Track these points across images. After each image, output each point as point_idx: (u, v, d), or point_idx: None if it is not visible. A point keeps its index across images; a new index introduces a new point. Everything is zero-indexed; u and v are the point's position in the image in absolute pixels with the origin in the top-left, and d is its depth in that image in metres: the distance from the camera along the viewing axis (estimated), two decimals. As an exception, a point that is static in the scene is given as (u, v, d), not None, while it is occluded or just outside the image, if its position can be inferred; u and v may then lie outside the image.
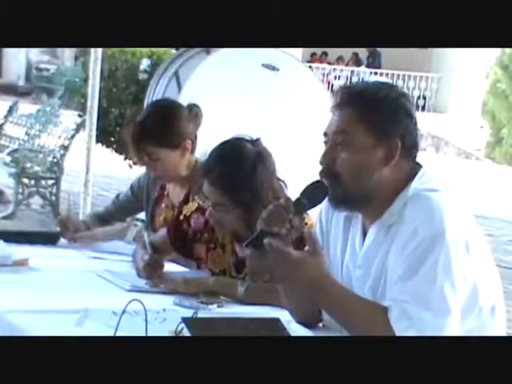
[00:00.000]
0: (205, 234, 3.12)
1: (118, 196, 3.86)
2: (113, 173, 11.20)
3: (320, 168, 2.35)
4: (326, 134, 2.35)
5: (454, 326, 2.19)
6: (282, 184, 3.03)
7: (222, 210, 2.93)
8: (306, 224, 2.79)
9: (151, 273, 3.03)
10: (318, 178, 2.40)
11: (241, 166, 2.91)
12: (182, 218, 3.17)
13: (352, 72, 22.10)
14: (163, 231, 3.29)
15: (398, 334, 2.16)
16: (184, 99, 6.88)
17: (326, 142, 2.34)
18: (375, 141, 2.29)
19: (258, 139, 3.01)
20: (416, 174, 2.33)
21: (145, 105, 7.80)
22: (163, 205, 3.66)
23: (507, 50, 20.60)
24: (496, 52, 21.14)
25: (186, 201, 3.46)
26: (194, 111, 3.56)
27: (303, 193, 2.40)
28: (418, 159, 2.37)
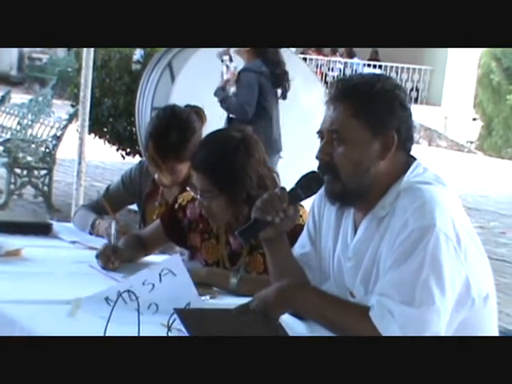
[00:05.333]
0: (200, 223, 3.13)
1: (108, 188, 3.84)
2: (105, 163, 11.19)
3: (318, 163, 2.34)
4: (321, 129, 2.34)
5: (441, 319, 2.18)
6: (273, 174, 3.03)
7: (209, 196, 2.95)
8: (301, 216, 2.79)
9: (105, 262, 3.04)
10: (310, 168, 2.41)
11: (221, 150, 2.93)
12: (177, 206, 3.18)
13: (345, 64, 22.08)
14: (155, 223, 3.29)
15: (381, 332, 2.17)
16: (177, 90, 6.91)
17: (322, 137, 2.34)
18: (371, 134, 2.29)
19: (246, 128, 3.02)
20: (409, 166, 2.33)
21: (138, 95, 7.80)
22: (156, 203, 3.66)
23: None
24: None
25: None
26: (201, 115, 3.57)
27: (298, 183, 2.41)
28: (411, 152, 2.37)
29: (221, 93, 6.31)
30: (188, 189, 3.16)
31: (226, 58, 6.27)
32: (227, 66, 6.16)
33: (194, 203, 3.13)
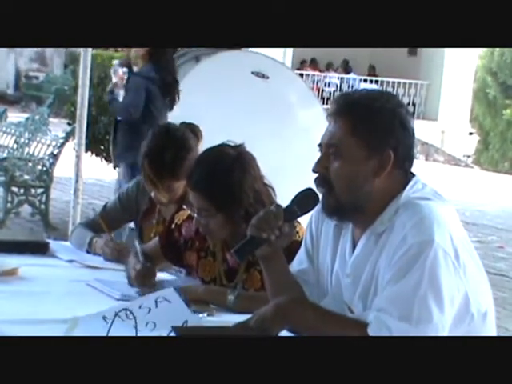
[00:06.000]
0: (196, 241, 3.12)
1: (105, 206, 3.83)
2: (103, 181, 11.19)
3: (314, 176, 2.34)
4: (321, 142, 2.34)
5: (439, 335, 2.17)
6: (269, 189, 3.03)
7: (206, 215, 2.94)
8: (298, 232, 2.79)
9: (144, 282, 3.02)
10: (307, 185, 2.40)
11: (217, 168, 2.93)
12: (173, 226, 3.18)
13: (342, 79, 22.12)
14: (155, 240, 3.28)
15: None
16: (174, 107, 6.88)
17: (320, 150, 2.34)
18: (367, 152, 2.28)
19: (240, 145, 3.02)
20: (408, 182, 2.33)
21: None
22: (154, 220, 3.66)
23: (495, 57, 20.71)
24: (483, 59, 21.22)
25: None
26: (196, 133, 3.57)
27: (294, 200, 2.40)
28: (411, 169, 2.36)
29: (109, 95, 6.48)
30: (184, 207, 3.15)
31: (116, 62, 6.63)
32: (115, 71, 6.41)
33: (189, 222, 3.12)
